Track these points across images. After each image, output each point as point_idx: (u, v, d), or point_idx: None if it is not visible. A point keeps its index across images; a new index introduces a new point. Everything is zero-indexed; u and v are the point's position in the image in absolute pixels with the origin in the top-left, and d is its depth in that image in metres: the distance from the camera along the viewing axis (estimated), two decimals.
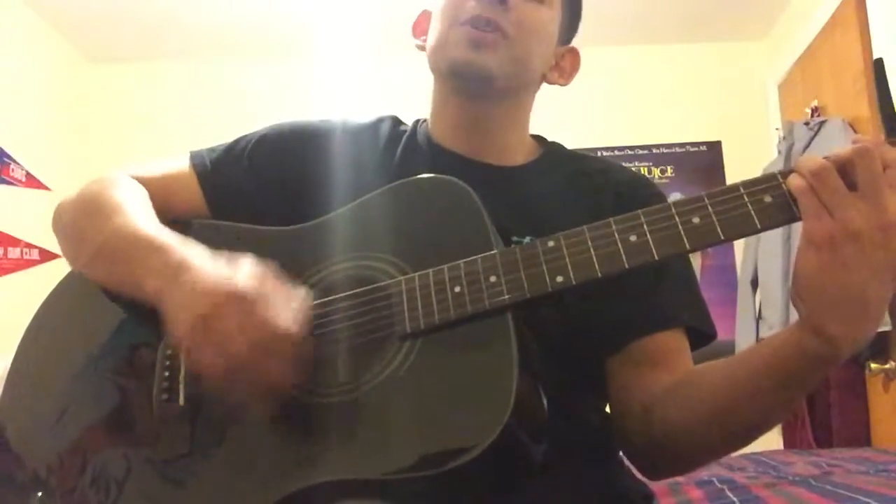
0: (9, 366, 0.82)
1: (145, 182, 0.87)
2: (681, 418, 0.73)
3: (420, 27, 0.95)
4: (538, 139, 0.97)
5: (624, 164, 1.00)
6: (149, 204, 0.84)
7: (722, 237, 0.62)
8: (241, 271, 0.66)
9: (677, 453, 0.77)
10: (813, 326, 0.61)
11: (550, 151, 0.95)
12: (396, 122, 0.96)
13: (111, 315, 0.79)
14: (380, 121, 0.95)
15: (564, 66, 0.96)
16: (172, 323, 0.66)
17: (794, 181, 0.60)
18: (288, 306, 0.65)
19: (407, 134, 0.93)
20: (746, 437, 0.72)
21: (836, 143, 2.31)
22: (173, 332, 0.66)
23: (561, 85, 0.95)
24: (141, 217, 0.79)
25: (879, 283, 0.58)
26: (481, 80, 0.84)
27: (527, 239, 0.68)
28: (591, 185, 0.88)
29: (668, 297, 0.83)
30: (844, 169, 0.59)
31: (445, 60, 0.86)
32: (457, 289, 0.66)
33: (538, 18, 0.87)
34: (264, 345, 0.63)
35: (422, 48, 0.93)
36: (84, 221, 0.82)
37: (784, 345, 0.64)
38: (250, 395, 0.65)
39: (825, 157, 0.61)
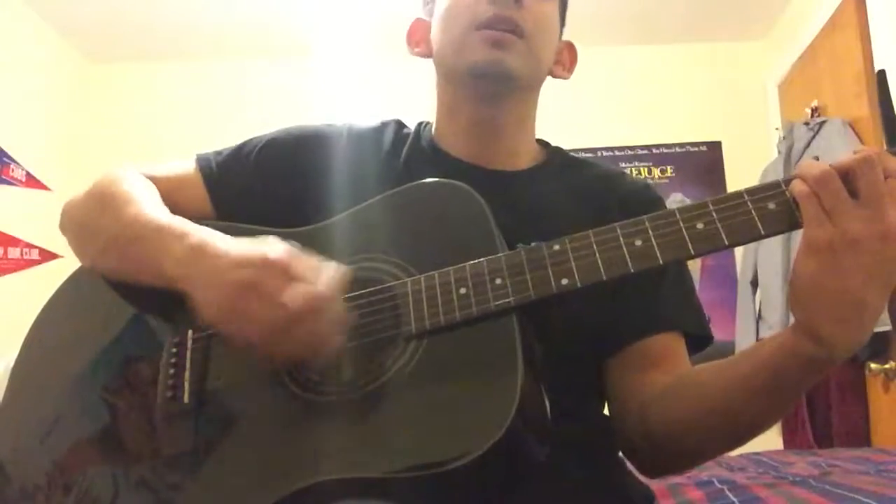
0: (10, 366, 0.82)
1: (151, 181, 0.88)
2: (678, 418, 0.74)
3: (417, 35, 0.96)
4: (541, 143, 0.98)
5: (624, 164, 1.01)
6: (158, 196, 0.84)
7: (726, 242, 0.62)
8: (267, 244, 0.68)
9: (675, 452, 0.78)
10: (808, 329, 0.61)
11: (554, 156, 0.96)
12: (400, 125, 0.96)
13: (111, 318, 0.79)
14: (384, 125, 0.96)
15: (564, 59, 0.97)
16: (203, 299, 0.67)
17: (798, 186, 0.61)
18: (322, 270, 0.67)
19: (410, 138, 0.93)
20: (743, 437, 0.73)
21: (835, 144, 2.31)
22: (205, 308, 0.67)
23: (564, 78, 0.97)
24: (154, 207, 0.80)
25: (875, 289, 0.59)
26: (503, 79, 0.85)
27: (531, 244, 0.68)
28: (596, 191, 0.90)
29: (665, 301, 0.84)
30: (847, 177, 0.60)
31: (465, 63, 0.86)
32: (462, 290, 0.66)
33: (548, 14, 0.89)
34: (312, 302, 0.63)
35: (424, 55, 0.94)
36: (96, 213, 0.83)
37: (780, 347, 0.64)
38: (303, 349, 0.65)
39: (829, 165, 0.61)
